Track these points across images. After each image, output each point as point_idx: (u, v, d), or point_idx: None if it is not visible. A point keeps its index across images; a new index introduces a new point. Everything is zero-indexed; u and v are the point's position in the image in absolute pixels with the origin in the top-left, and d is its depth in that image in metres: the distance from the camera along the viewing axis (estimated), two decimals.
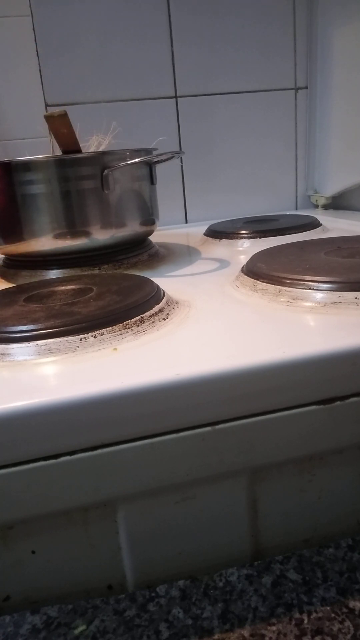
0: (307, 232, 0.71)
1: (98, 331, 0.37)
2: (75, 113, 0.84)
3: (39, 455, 0.30)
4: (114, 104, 0.86)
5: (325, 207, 0.97)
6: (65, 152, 0.63)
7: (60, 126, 0.60)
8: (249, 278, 0.46)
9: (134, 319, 0.38)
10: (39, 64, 0.82)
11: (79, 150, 0.63)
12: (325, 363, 0.32)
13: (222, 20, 0.87)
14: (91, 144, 0.69)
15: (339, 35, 0.85)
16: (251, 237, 0.69)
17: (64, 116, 0.59)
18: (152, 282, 0.46)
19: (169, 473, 0.32)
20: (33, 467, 0.30)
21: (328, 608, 0.31)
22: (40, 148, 0.84)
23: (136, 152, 0.61)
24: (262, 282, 0.44)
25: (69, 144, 0.62)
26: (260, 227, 0.73)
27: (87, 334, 0.36)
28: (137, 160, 0.59)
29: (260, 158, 0.96)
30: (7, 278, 0.61)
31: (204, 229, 0.78)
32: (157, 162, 0.64)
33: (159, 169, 0.66)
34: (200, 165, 0.93)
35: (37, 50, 0.81)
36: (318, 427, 0.33)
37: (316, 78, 0.92)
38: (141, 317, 0.39)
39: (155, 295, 0.42)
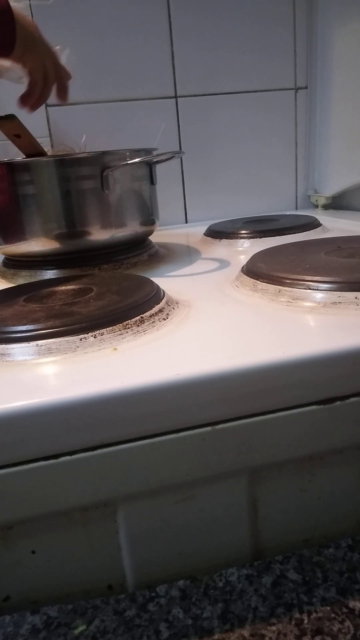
0: (307, 232, 0.71)
1: (98, 331, 0.37)
2: (75, 113, 0.84)
3: (39, 455, 0.30)
4: (113, 104, 0.86)
5: (325, 207, 0.97)
6: (28, 156, 0.60)
7: (11, 130, 0.56)
8: (249, 278, 0.46)
9: (134, 319, 0.38)
10: None
11: (42, 153, 0.60)
12: (325, 363, 0.32)
13: (222, 20, 0.87)
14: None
15: (339, 36, 0.85)
16: (251, 237, 0.69)
17: (13, 120, 0.54)
18: (152, 282, 0.46)
19: (169, 473, 0.32)
20: (33, 467, 0.30)
21: (328, 608, 0.31)
22: None
23: (136, 152, 0.61)
24: (262, 282, 0.44)
25: (29, 148, 0.59)
26: (260, 227, 0.73)
27: (87, 334, 0.36)
28: (137, 160, 0.59)
29: (260, 158, 0.96)
30: (7, 278, 0.61)
31: (204, 229, 0.78)
32: (157, 162, 0.64)
33: (159, 169, 0.66)
34: (200, 165, 0.93)
35: None
36: (318, 427, 0.33)
37: (316, 78, 0.92)
38: (141, 317, 0.39)
39: (155, 295, 0.42)
